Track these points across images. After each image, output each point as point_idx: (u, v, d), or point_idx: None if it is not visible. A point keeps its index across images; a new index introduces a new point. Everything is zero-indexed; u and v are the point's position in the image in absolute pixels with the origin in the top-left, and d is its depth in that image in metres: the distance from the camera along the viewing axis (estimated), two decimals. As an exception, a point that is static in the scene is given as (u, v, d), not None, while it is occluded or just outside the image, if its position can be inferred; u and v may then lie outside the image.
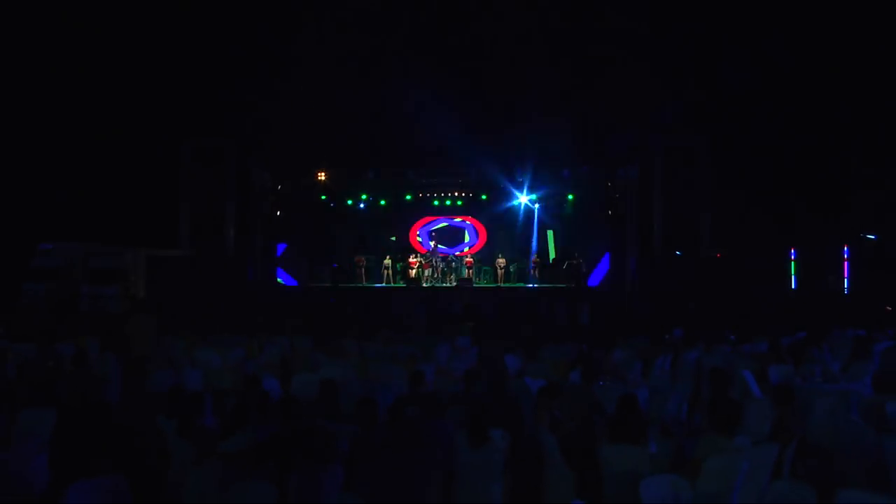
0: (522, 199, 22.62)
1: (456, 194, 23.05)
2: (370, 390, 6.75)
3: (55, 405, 5.77)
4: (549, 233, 23.20)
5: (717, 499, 4.22)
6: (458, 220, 23.85)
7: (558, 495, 4.57)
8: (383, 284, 21.58)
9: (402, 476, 4.67)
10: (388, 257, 22.07)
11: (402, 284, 21.35)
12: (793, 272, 19.55)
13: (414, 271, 21.58)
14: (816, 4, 16.28)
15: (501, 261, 22.13)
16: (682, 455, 4.78)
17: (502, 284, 21.61)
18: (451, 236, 23.69)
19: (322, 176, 21.19)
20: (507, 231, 23.47)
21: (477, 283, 21.45)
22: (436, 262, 21.92)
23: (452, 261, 22.28)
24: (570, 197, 22.47)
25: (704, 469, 4.28)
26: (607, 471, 4.57)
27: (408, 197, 23.05)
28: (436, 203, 23.33)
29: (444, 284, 21.29)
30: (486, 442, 4.85)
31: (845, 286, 18.07)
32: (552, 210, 22.78)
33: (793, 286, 19.46)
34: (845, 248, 18.06)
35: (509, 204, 22.90)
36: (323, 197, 22.64)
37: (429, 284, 21.17)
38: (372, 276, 22.21)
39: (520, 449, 4.81)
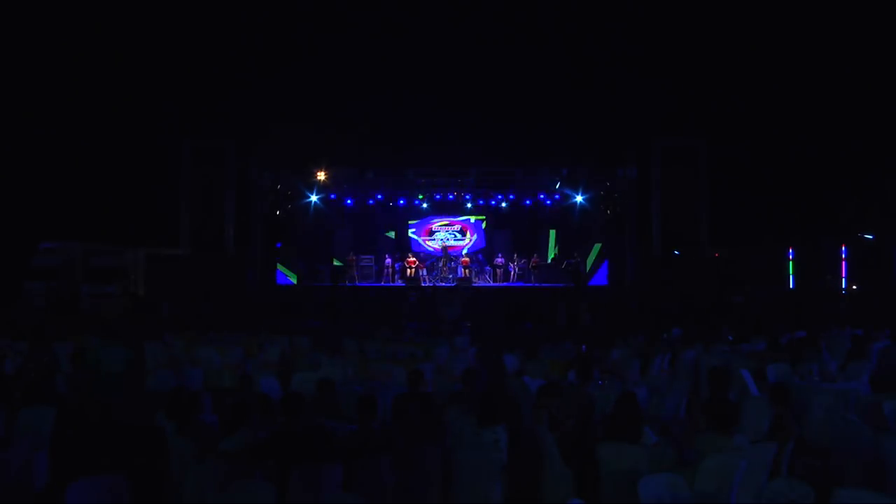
0: (522, 199, 22.63)
1: (456, 194, 23.06)
2: (370, 389, 6.77)
3: (55, 404, 5.78)
4: (552, 232, 23.18)
5: (716, 497, 4.23)
6: (458, 219, 23.87)
7: (557, 494, 4.58)
8: (382, 283, 21.62)
9: (401, 475, 4.69)
10: (387, 256, 22.12)
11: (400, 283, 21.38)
12: (790, 272, 19.58)
13: (413, 270, 21.61)
14: (815, 5, 16.30)
15: (500, 260, 22.16)
16: (680, 454, 4.80)
17: (501, 284, 21.64)
18: (451, 236, 23.71)
19: (322, 176, 21.19)
20: (506, 230, 23.49)
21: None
22: (444, 261, 21.95)
23: (451, 260, 22.31)
24: (570, 197, 22.47)
25: (702, 468, 4.30)
26: (605, 469, 4.58)
27: (408, 196, 23.05)
28: (435, 203, 23.33)
29: (443, 284, 21.30)
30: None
31: (843, 285, 18.09)
32: (552, 210, 22.79)
33: (790, 286, 19.49)
34: (843, 248, 18.09)
35: (509, 204, 22.91)
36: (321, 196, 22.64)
37: (428, 284, 21.19)
38: (370, 275, 22.24)
39: (519, 447, 4.82)
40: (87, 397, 6.12)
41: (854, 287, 17.87)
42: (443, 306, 17.53)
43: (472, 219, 23.77)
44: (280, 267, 21.77)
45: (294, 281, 21.86)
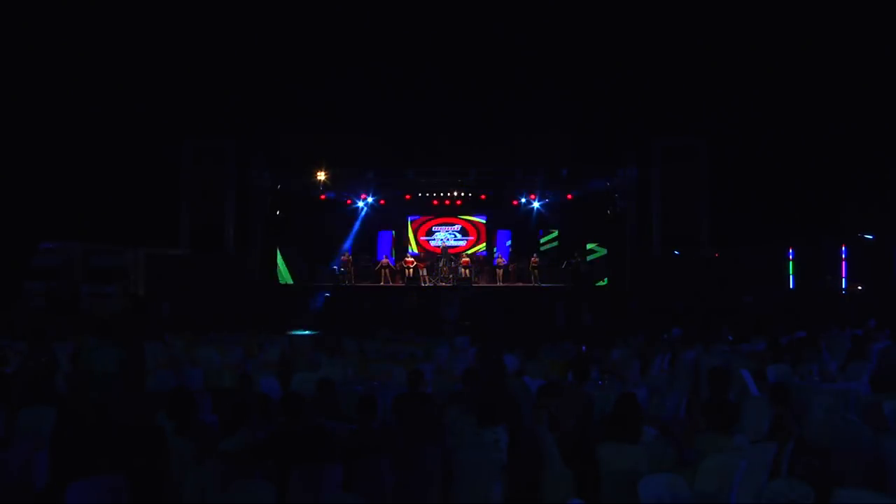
0: (522, 199, 22.64)
1: (456, 194, 23.06)
2: (370, 389, 6.78)
3: (55, 404, 5.78)
4: (555, 233, 23.14)
5: (716, 497, 4.24)
6: (458, 219, 23.88)
7: (557, 494, 4.58)
8: (381, 284, 21.62)
9: (401, 475, 4.69)
10: (385, 257, 22.13)
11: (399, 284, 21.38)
12: (790, 272, 19.57)
13: (412, 270, 21.61)
14: (814, 5, 16.29)
15: (501, 260, 22.16)
16: (680, 454, 4.80)
17: (501, 284, 21.64)
18: (451, 236, 23.73)
19: (322, 176, 21.19)
20: (506, 231, 23.49)
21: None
22: (443, 262, 21.94)
23: (451, 260, 22.31)
24: (570, 197, 22.47)
25: (703, 468, 4.30)
26: (605, 469, 4.58)
27: (408, 197, 23.05)
28: (436, 203, 23.33)
29: (443, 284, 21.31)
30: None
31: (843, 285, 18.09)
32: (552, 210, 22.78)
33: (791, 286, 19.48)
34: (843, 248, 18.08)
35: (509, 204, 22.90)
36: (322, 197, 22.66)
37: (428, 284, 21.20)
38: (368, 275, 22.24)
39: (519, 447, 4.82)
40: (83, 397, 6.13)
41: (856, 287, 17.86)
42: (443, 306, 17.55)
43: (469, 219, 23.74)
44: (280, 265, 21.78)
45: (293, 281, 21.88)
